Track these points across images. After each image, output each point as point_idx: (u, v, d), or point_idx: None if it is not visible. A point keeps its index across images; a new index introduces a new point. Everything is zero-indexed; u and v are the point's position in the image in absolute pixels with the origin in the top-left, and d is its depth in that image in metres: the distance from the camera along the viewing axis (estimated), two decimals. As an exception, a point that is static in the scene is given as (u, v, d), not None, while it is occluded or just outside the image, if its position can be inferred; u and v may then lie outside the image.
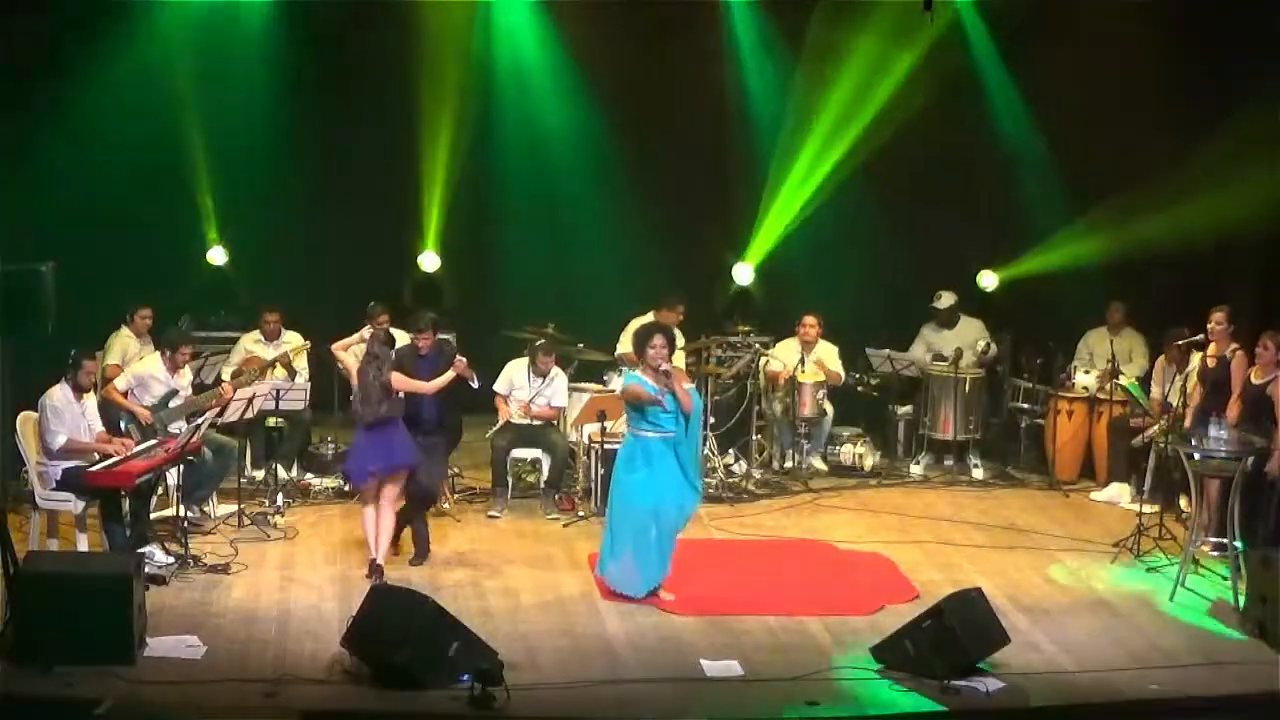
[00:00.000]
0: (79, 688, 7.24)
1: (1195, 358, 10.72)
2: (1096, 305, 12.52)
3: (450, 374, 9.47)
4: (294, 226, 12.53)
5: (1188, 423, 9.99)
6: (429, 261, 13.01)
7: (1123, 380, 11.66)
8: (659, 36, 12.61)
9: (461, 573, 9.41)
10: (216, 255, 12.82)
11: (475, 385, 9.87)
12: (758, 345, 12.26)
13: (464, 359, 9.57)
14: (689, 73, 12.74)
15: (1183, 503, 10.56)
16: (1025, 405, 12.41)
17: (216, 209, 12.66)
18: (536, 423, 11.00)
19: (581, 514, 10.79)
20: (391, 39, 12.33)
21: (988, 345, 12.60)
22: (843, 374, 12.33)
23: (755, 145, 12.99)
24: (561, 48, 12.61)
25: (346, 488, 11.21)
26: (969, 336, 12.63)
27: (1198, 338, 10.66)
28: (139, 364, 10.57)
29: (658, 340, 8.81)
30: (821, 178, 12.81)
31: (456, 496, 11.12)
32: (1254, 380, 9.70)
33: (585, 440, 11.07)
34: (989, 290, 13.17)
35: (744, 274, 13.21)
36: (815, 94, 12.74)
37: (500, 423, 11.01)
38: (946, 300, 12.69)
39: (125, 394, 10.20)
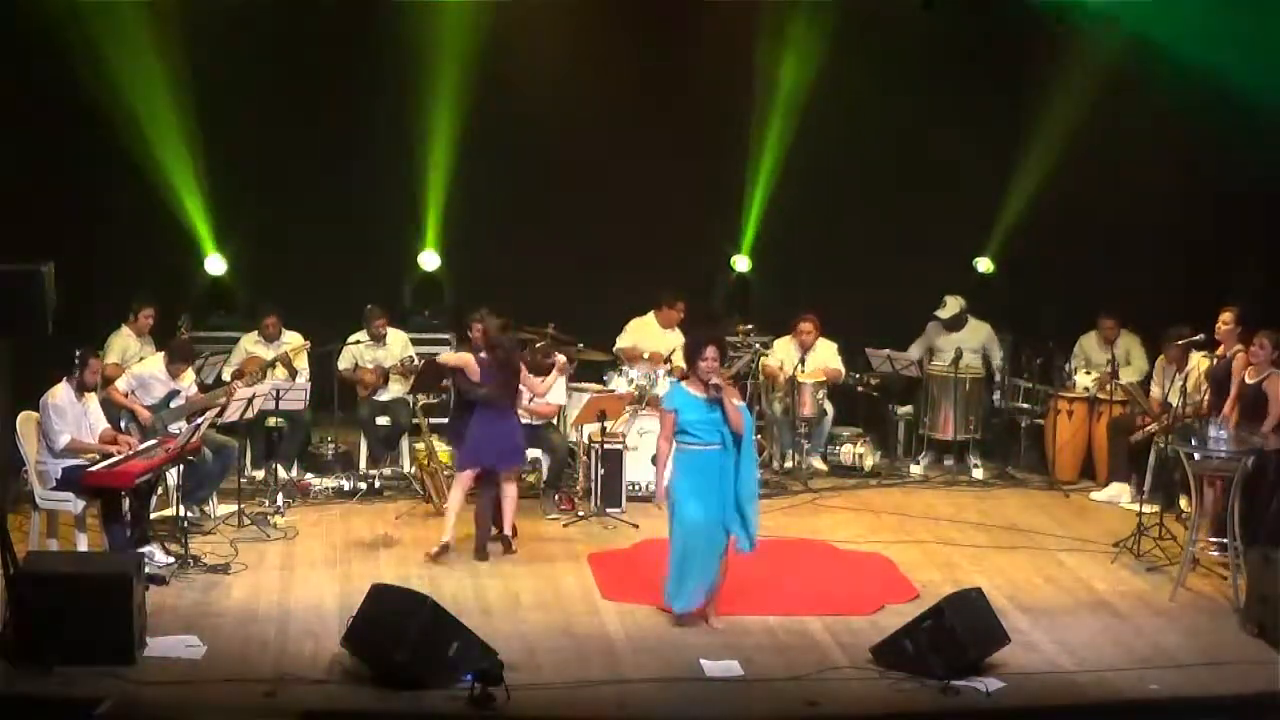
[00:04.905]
0: (79, 688, 7.23)
1: (1195, 357, 10.74)
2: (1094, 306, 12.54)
3: (554, 375, 10.14)
4: (292, 228, 12.51)
5: (1194, 423, 9.97)
6: (429, 261, 13.01)
7: (1122, 380, 11.67)
8: (654, 31, 12.67)
9: (461, 573, 9.40)
10: (214, 264, 12.66)
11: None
12: (758, 345, 12.27)
13: (563, 357, 10.32)
14: (685, 66, 12.78)
15: (1183, 503, 10.56)
16: (1025, 405, 12.40)
17: (212, 215, 12.65)
18: (536, 422, 11.00)
19: (581, 514, 10.79)
20: (390, 37, 12.33)
21: (1002, 368, 12.61)
22: (843, 371, 12.34)
23: (753, 139, 13.03)
24: (559, 46, 12.61)
25: (347, 487, 11.24)
26: (975, 340, 12.62)
27: (1198, 337, 10.68)
28: (140, 365, 10.58)
29: (710, 352, 8.21)
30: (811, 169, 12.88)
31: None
32: (1248, 380, 9.70)
33: (585, 440, 11.07)
34: (985, 274, 13.25)
35: (744, 262, 13.39)
36: (804, 87, 12.82)
37: None
38: (951, 308, 12.62)
39: (126, 394, 10.21)
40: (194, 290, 12.66)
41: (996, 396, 12.61)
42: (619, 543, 10.19)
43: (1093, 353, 12.32)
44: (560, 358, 10.37)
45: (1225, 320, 10.41)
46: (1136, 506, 10.37)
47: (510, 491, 9.77)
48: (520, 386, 9.81)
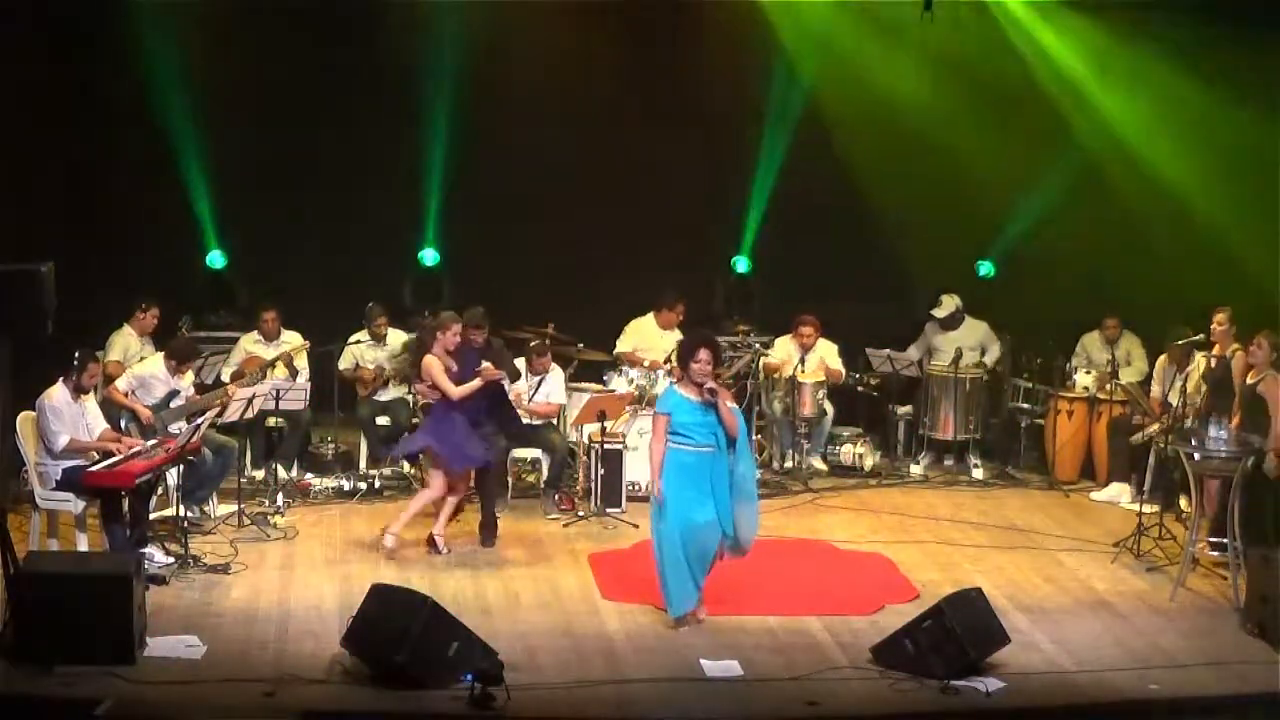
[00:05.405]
0: (79, 688, 7.23)
1: (1197, 357, 10.74)
2: (1096, 305, 12.53)
3: (477, 383, 9.69)
4: (293, 225, 12.51)
5: (1191, 423, 9.97)
6: (429, 257, 13.01)
7: (1122, 380, 11.67)
8: (654, 32, 12.67)
9: (461, 573, 9.41)
10: (215, 260, 12.75)
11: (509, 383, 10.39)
12: (757, 345, 12.28)
13: (489, 365, 9.84)
14: (685, 68, 12.78)
15: (1183, 503, 10.56)
16: (1025, 405, 12.40)
17: (213, 214, 12.66)
18: (536, 422, 10.99)
19: (581, 514, 10.79)
20: (392, 36, 12.34)
21: (997, 361, 12.60)
22: (843, 372, 12.33)
23: (753, 139, 13.03)
24: (559, 46, 12.61)
25: (347, 487, 11.24)
26: (972, 338, 12.61)
27: (1198, 338, 10.68)
28: (140, 365, 10.57)
29: (703, 355, 8.21)
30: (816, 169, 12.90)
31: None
32: (1248, 381, 9.70)
33: (585, 440, 11.07)
34: (987, 278, 13.24)
35: (744, 262, 13.44)
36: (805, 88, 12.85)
37: None
38: (947, 306, 12.63)
39: (127, 394, 10.21)
40: (194, 289, 12.67)
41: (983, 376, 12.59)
42: (619, 543, 10.19)
43: (1094, 352, 12.33)
44: (486, 365, 9.88)
45: (1219, 320, 10.43)
46: (1136, 506, 10.37)
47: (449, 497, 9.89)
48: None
